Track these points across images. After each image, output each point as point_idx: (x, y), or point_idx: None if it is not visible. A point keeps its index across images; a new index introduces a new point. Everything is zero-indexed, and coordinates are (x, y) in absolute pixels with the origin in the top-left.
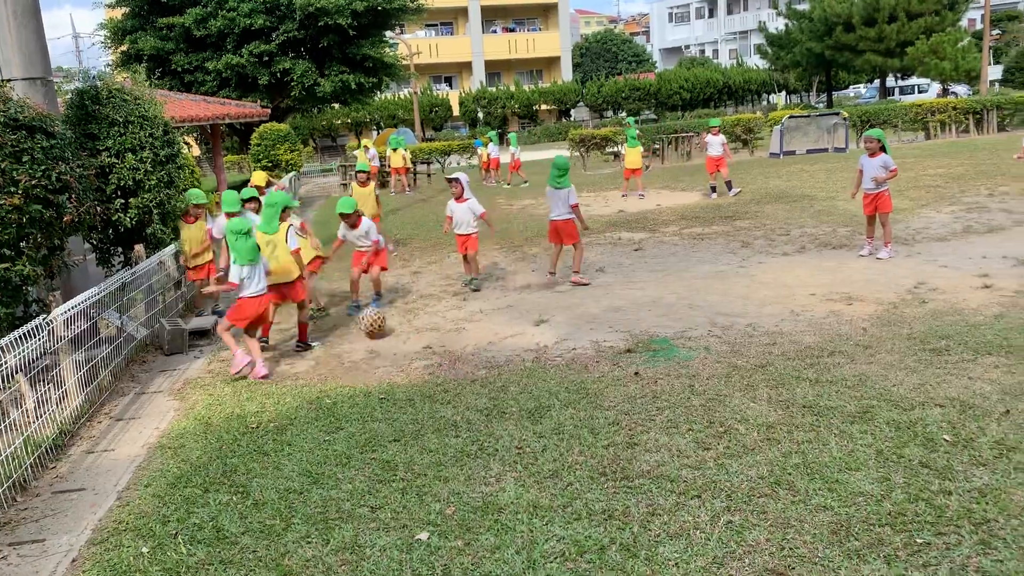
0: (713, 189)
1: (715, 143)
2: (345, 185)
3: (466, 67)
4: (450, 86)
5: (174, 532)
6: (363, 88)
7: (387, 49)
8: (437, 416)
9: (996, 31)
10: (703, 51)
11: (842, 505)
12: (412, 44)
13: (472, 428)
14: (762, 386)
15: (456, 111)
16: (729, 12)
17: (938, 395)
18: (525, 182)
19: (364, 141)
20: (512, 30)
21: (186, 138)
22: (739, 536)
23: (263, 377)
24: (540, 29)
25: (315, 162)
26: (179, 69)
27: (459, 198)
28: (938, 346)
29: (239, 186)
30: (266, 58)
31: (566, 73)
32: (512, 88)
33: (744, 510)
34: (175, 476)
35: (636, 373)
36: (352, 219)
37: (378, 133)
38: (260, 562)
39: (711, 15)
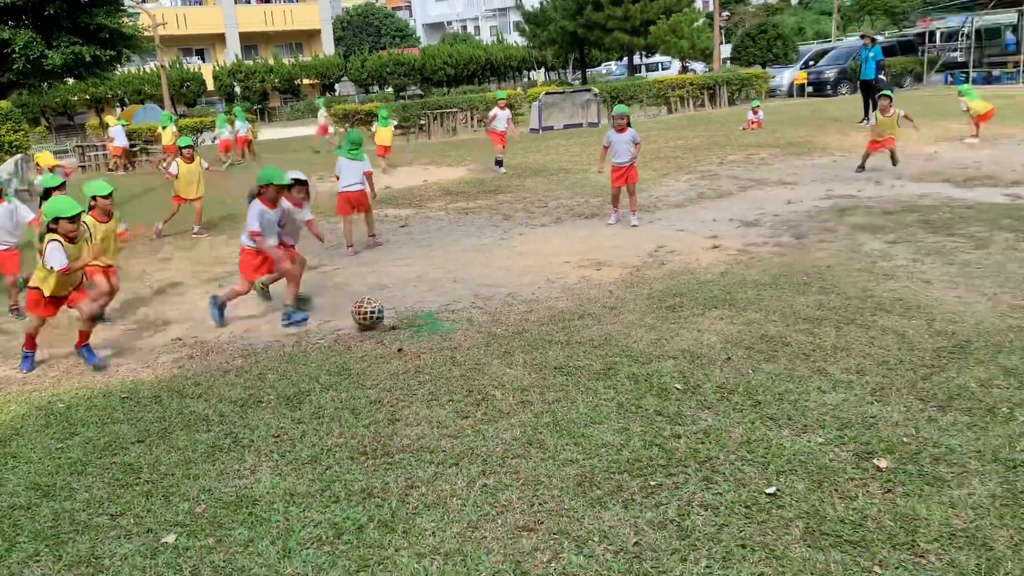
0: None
1: (502, 117)
2: (84, 167)
3: (219, 39)
4: (202, 59)
5: None
6: (100, 61)
7: (126, 19)
8: (187, 411)
9: (725, 13)
10: (465, 27)
11: (587, 457)
12: (156, 14)
13: (225, 421)
14: (518, 352)
15: (211, 86)
16: None
17: (672, 348)
18: (230, 164)
19: (107, 119)
20: (268, 1)
21: None
22: (493, 498)
23: None
24: (298, 0)
25: (49, 143)
26: None
27: (300, 203)
28: (673, 303)
29: None
30: None
31: (327, 47)
32: (271, 62)
33: (498, 472)
34: None
35: (400, 350)
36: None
37: (122, 110)
38: None
39: None
